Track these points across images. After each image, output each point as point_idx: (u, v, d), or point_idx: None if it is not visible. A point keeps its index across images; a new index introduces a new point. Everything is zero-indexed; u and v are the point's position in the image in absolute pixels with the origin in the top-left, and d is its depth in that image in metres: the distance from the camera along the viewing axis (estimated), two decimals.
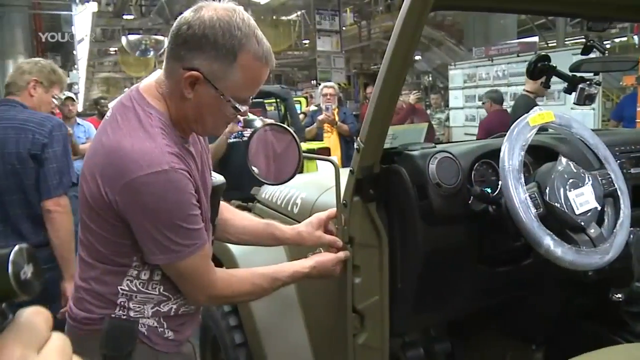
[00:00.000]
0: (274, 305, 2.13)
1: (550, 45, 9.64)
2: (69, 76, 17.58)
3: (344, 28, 15.36)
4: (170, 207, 1.31)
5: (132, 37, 17.05)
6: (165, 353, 1.47)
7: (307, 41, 20.38)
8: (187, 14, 1.32)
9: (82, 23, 14.46)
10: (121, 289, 1.41)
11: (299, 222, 2.08)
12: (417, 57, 18.61)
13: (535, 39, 11.35)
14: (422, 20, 1.51)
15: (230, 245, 2.19)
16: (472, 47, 12.55)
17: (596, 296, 2.04)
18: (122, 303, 1.41)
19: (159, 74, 1.42)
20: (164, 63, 1.38)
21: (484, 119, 6.87)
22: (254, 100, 5.65)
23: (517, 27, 13.49)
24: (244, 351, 2.29)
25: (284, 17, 16.82)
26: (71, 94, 5.90)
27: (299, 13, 17.16)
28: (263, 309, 2.15)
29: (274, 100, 6.29)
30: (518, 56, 9.39)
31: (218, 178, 1.64)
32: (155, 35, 17.99)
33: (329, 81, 12.03)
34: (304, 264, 1.65)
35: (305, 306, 2.09)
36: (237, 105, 1.37)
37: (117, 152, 1.29)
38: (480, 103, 8.72)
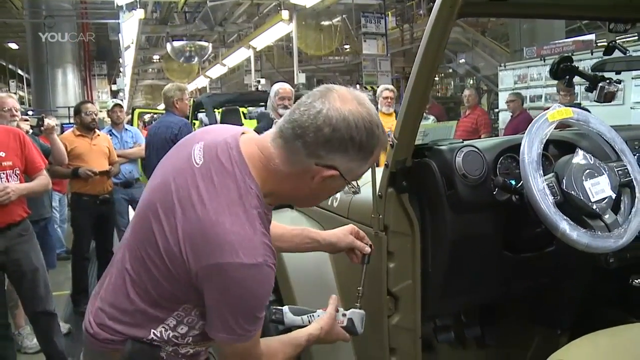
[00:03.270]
0: (313, 287, 2.30)
1: (600, 44, 9.37)
2: (115, 83, 18.21)
3: None
4: (252, 300, 1.30)
5: (176, 44, 17.40)
6: None
7: (347, 46, 20.51)
8: (321, 105, 1.26)
9: (128, 30, 14.91)
10: (154, 332, 1.39)
11: (339, 215, 2.26)
12: (461, 60, 18.55)
13: (592, 36, 10.91)
14: (448, 27, 1.68)
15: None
16: (517, 48, 12.38)
17: (618, 282, 2.17)
18: (150, 338, 1.40)
19: (260, 138, 1.37)
20: (284, 144, 1.30)
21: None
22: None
23: (565, 27, 13.11)
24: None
25: (325, 22, 16.94)
26: (119, 101, 6.23)
27: (339, 18, 17.27)
28: (303, 290, 2.31)
29: None
30: (572, 55, 9.13)
31: None
32: (200, 41, 18.33)
33: (376, 84, 12.13)
34: (314, 328, 1.62)
35: (343, 289, 2.26)
36: (353, 183, 1.37)
37: (214, 228, 1.25)
38: (531, 104, 8.66)
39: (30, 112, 12.37)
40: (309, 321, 1.67)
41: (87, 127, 4.99)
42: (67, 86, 14.57)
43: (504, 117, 10.74)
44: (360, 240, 1.82)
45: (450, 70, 21.02)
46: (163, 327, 1.39)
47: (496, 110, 11.39)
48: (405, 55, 20.09)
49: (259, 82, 13.30)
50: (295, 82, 14.09)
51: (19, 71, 26.07)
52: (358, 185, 1.50)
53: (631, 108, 7.43)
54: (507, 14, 2.05)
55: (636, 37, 7.97)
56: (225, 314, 1.30)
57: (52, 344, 3.43)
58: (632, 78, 7.44)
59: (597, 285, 2.31)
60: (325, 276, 2.28)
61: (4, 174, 3.09)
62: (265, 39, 15.77)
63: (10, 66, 24.94)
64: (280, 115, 5.11)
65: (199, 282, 1.29)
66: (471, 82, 20.32)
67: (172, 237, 1.29)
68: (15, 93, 19.04)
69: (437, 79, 22.80)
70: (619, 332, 1.72)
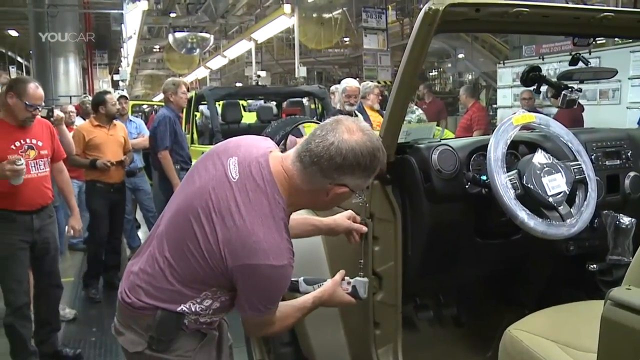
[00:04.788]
0: (307, 268, 2.56)
1: (599, 43, 9.40)
2: (118, 73, 18.32)
3: None
4: (275, 290, 1.63)
5: (178, 35, 17.33)
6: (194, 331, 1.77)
7: (347, 39, 20.60)
8: (333, 137, 1.52)
9: (131, 21, 15.00)
10: (183, 305, 1.67)
11: None
12: (460, 56, 18.68)
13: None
14: (427, 41, 1.96)
15: None
16: (517, 45, 12.38)
17: (577, 267, 2.45)
18: (179, 310, 1.67)
19: (284, 158, 1.63)
20: (303, 169, 1.56)
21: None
22: (292, 100, 6.13)
23: None
24: None
25: (326, 15, 16.98)
26: (124, 93, 6.38)
27: (340, 11, 17.33)
28: (296, 271, 2.56)
29: None
30: (570, 54, 8.97)
31: None
32: (201, 33, 18.40)
33: (375, 79, 12.24)
34: (318, 291, 1.91)
35: (334, 270, 2.52)
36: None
37: (251, 237, 1.53)
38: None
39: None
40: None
41: (111, 118, 5.13)
42: (69, 75, 14.68)
43: (502, 114, 10.82)
44: (355, 220, 2.10)
45: (449, 66, 21.17)
46: (191, 302, 1.67)
47: (494, 106, 11.53)
48: (404, 50, 20.10)
49: (258, 76, 13.44)
50: (296, 75, 14.21)
51: (18, 58, 26.18)
52: (363, 192, 2.00)
53: (627, 108, 7.67)
54: (481, 30, 2.31)
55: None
56: (254, 299, 1.63)
57: (57, 313, 3.80)
58: (629, 78, 7.67)
59: (560, 269, 2.59)
60: (317, 255, 2.53)
61: (41, 161, 3.42)
62: (266, 31, 15.86)
63: (9, 53, 25.02)
64: (347, 111, 5.17)
65: (233, 276, 1.58)
66: (469, 77, 20.48)
67: (213, 239, 1.56)
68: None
69: (435, 73, 23.05)
70: (570, 308, 2.01)
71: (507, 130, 2.09)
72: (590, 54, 7.80)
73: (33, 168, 3.33)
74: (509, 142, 2.09)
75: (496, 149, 2.04)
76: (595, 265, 2.32)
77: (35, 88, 3.33)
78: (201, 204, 1.61)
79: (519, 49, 12.10)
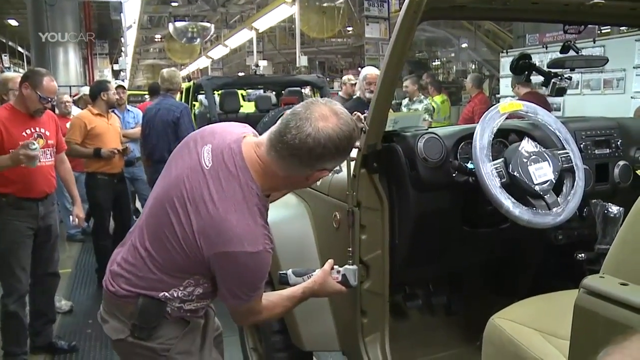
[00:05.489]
0: (296, 257, 2.56)
1: (604, 32, 9.18)
2: (117, 62, 18.26)
3: None
4: (253, 277, 1.62)
5: (179, 24, 17.35)
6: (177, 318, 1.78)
7: (350, 28, 20.54)
8: (309, 128, 1.50)
9: (131, 10, 14.96)
10: (166, 292, 1.68)
11: (321, 193, 2.50)
12: (464, 45, 18.59)
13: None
14: (412, 29, 1.93)
15: None
16: (520, 34, 12.21)
17: (566, 257, 2.44)
18: (160, 296, 1.69)
19: (257, 144, 1.62)
20: (280, 160, 1.55)
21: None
22: (291, 89, 6.17)
23: None
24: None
25: (328, 3, 16.89)
26: (122, 82, 6.37)
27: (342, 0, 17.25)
28: (287, 260, 2.57)
29: None
30: (575, 43, 8.68)
31: None
32: (202, 22, 18.33)
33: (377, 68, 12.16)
34: (308, 282, 1.90)
35: (323, 257, 2.52)
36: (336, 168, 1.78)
37: (224, 224, 1.54)
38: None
39: None
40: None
41: (111, 106, 5.13)
42: (69, 65, 14.62)
43: None
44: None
45: (453, 55, 21.06)
46: (174, 290, 1.69)
47: (497, 95, 11.44)
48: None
49: (257, 66, 13.39)
50: (298, 65, 14.16)
51: (19, 48, 26.14)
52: (340, 167, 1.98)
53: (631, 97, 7.53)
54: (467, 17, 2.29)
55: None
56: (233, 287, 1.64)
57: (52, 300, 3.82)
58: (634, 67, 7.54)
59: (550, 259, 2.59)
60: (308, 245, 2.53)
61: (49, 150, 3.50)
62: (267, 20, 15.81)
63: (10, 43, 24.98)
64: (368, 99, 5.03)
65: (210, 264, 1.59)
66: (473, 67, 20.37)
67: (188, 227, 1.58)
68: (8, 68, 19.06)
69: (439, 63, 22.90)
70: (553, 297, 2.01)
71: (494, 118, 2.08)
72: (594, 43, 7.76)
73: (42, 156, 3.37)
74: (495, 130, 2.07)
75: (482, 137, 2.03)
76: (583, 255, 2.31)
77: (50, 81, 3.40)
78: (176, 194, 1.62)
79: (522, 37, 11.96)
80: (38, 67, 4.56)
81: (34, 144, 3.17)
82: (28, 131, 3.38)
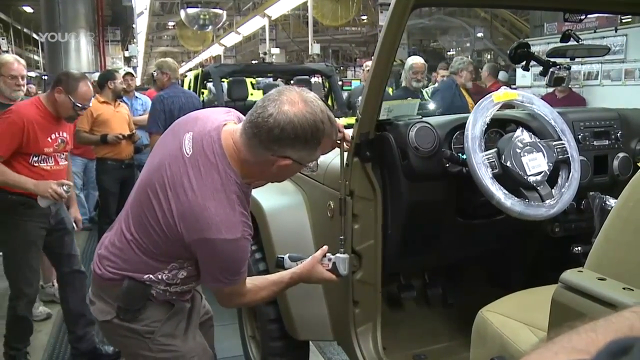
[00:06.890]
0: (292, 244, 2.54)
1: (625, 21, 8.95)
2: (127, 49, 18.22)
3: None
4: (233, 262, 1.65)
5: (190, 11, 17.24)
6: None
7: (364, 16, 20.38)
8: (272, 109, 1.50)
9: None
10: (151, 275, 1.72)
11: (317, 182, 2.48)
12: (479, 35, 18.41)
13: None
14: (405, 16, 1.90)
15: (262, 203, 2.58)
16: (538, 23, 12.02)
17: (562, 250, 2.41)
18: (145, 278, 1.73)
19: (234, 131, 1.62)
20: (247, 140, 1.56)
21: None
22: (299, 77, 6.18)
23: None
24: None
25: None
26: (130, 69, 6.40)
27: None
28: (283, 247, 2.55)
29: None
30: (595, 32, 8.11)
31: None
32: (214, 9, 18.26)
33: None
34: (298, 268, 1.92)
35: (318, 245, 2.50)
36: (309, 165, 1.73)
37: (203, 212, 1.55)
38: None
39: (44, 78, 12.38)
40: None
41: (118, 95, 5.21)
42: (80, 52, 14.62)
43: None
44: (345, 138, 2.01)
45: (468, 45, 20.88)
46: (160, 273, 1.72)
47: (513, 86, 11.30)
48: (423, 29, 19.79)
49: (265, 54, 13.33)
50: (310, 53, 14.10)
51: (34, 35, 26.23)
52: (316, 164, 1.98)
53: None
54: (462, 5, 2.25)
55: None
56: (214, 271, 1.68)
57: (85, 300, 3.39)
58: None
59: (547, 251, 2.55)
60: (303, 232, 2.51)
61: (65, 154, 3.33)
62: (280, 7, 15.70)
63: (25, 30, 25.06)
64: (414, 88, 5.25)
65: (191, 249, 1.63)
66: (488, 57, 20.16)
67: (169, 214, 1.60)
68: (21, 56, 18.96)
69: (453, 52, 22.71)
70: (542, 291, 1.96)
71: (487, 108, 2.04)
72: (616, 32, 7.60)
73: (62, 160, 3.30)
74: (488, 120, 2.03)
75: (474, 127, 1.99)
76: (579, 248, 2.28)
77: (85, 87, 3.20)
78: (158, 180, 1.65)
79: (540, 27, 11.76)
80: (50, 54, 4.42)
81: (69, 189, 3.10)
82: (53, 136, 3.21)
